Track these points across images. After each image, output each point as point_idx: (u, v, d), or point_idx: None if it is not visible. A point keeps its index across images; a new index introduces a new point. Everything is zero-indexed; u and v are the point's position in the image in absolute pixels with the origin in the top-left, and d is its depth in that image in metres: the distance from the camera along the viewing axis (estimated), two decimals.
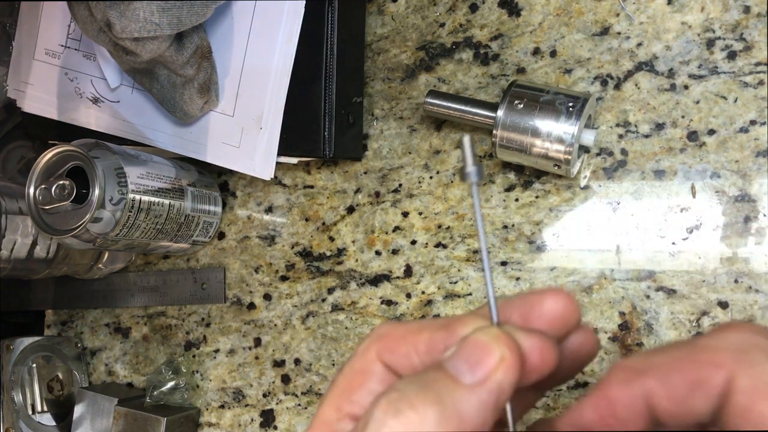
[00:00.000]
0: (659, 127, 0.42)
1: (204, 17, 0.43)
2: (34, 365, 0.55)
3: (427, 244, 0.47)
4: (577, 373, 0.24)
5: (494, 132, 0.42)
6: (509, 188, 0.45)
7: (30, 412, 0.55)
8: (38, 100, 0.53)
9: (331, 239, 0.50)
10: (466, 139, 0.21)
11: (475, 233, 0.46)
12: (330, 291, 0.50)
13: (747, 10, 0.41)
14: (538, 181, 0.45)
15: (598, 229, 0.43)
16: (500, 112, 0.41)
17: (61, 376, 0.57)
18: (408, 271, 0.48)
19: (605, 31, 0.44)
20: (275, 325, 0.51)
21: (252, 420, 0.52)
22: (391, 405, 0.19)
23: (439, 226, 0.47)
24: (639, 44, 0.43)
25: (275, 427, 0.51)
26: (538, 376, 0.20)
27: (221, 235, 0.54)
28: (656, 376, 0.18)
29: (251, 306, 0.52)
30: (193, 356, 0.54)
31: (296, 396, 0.50)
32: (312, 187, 0.51)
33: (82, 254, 0.54)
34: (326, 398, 0.23)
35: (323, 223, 0.50)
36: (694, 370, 0.18)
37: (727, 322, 0.19)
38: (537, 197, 0.45)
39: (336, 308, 0.50)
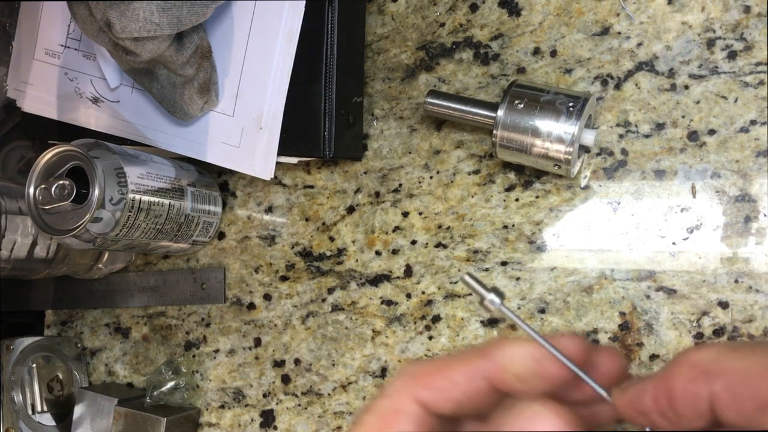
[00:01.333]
0: (659, 127, 0.42)
1: (204, 17, 0.43)
2: (34, 365, 0.55)
3: (427, 244, 0.47)
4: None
5: (494, 132, 0.42)
6: (509, 188, 0.45)
7: (30, 412, 0.55)
8: (38, 100, 0.53)
9: (331, 239, 0.50)
10: (467, 278, 0.21)
11: (475, 233, 0.46)
12: (330, 291, 0.50)
13: (747, 9, 0.41)
14: (539, 181, 0.45)
15: (598, 229, 0.43)
16: (500, 112, 0.41)
17: (61, 376, 0.57)
18: (408, 271, 0.48)
19: (605, 31, 0.44)
20: (275, 325, 0.51)
21: (252, 420, 0.52)
22: None
23: (439, 226, 0.47)
24: (639, 44, 0.43)
25: (275, 428, 0.51)
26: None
27: (221, 235, 0.54)
28: (725, 383, 0.17)
29: (251, 306, 0.52)
30: (193, 356, 0.54)
31: (296, 396, 0.50)
32: (312, 187, 0.51)
33: (82, 254, 0.54)
34: None
35: (323, 223, 0.50)
36: (767, 390, 0.17)
37: None
38: (537, 197, 0.45)
39: (336, 308, 0.50)
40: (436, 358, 0.22)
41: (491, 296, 0.21)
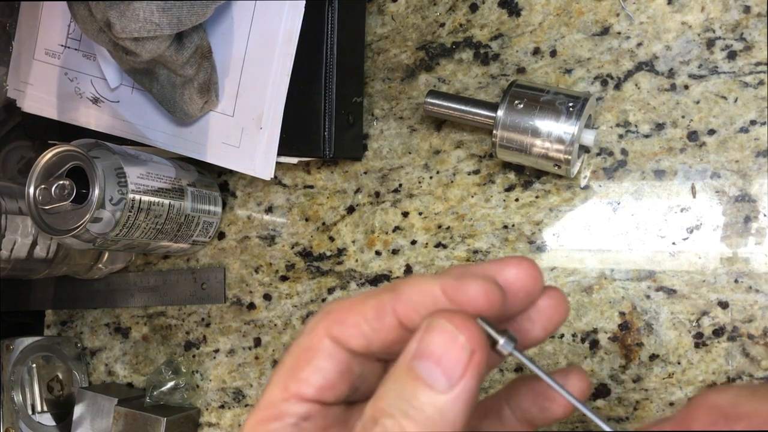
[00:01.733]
0: (659, 127, 0.42)
1: (204, 17, 0.43)
2: (34, 365, 0.55)
3: (427, 244, 0.47)
4: (548, 335, 0.24)
5: (494, 132, 0.42)
6: (509, 188, 0.45)
7: (30, 412, 0.55)
8: (38, 100, 0.53)
9: (331, 239, 0.50)
10: (480, 322, 0.21)
11: (475, 233, 0.46)
12: (330, 291, 0.50)
13: (747, 10, 0.41)
14: (538, 181, 0.45)
15: (598, 229, 0.43)
16: (500, 112, 0.41)
17: (61, 376, 0.57)
18: (408, 271, 0.48)
19: (605, 31, 0.44)
20: (275, 325, 0.51)
21: None
22: None
23: (439, 226, 0.47)
24: (639, 44, 0.43)
25: None
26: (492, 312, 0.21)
27: (221, 235, 0.54)
28: (748, 427, 0.17)
29: (251, 306, 0.52)
30: (193, 356, 0.54)
31: None
32: (312, 187, 0.51)
33: (82, 254, 0.54)
34: (273, 379, 0.22)
35: (323, 223, 0.50)
36: None
37: None
38: (537, 197, 0.45)
39: None
40: (354, 296, 0.23)
41: (504, 340, 0.21)
